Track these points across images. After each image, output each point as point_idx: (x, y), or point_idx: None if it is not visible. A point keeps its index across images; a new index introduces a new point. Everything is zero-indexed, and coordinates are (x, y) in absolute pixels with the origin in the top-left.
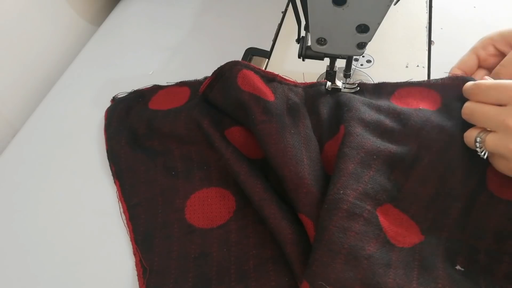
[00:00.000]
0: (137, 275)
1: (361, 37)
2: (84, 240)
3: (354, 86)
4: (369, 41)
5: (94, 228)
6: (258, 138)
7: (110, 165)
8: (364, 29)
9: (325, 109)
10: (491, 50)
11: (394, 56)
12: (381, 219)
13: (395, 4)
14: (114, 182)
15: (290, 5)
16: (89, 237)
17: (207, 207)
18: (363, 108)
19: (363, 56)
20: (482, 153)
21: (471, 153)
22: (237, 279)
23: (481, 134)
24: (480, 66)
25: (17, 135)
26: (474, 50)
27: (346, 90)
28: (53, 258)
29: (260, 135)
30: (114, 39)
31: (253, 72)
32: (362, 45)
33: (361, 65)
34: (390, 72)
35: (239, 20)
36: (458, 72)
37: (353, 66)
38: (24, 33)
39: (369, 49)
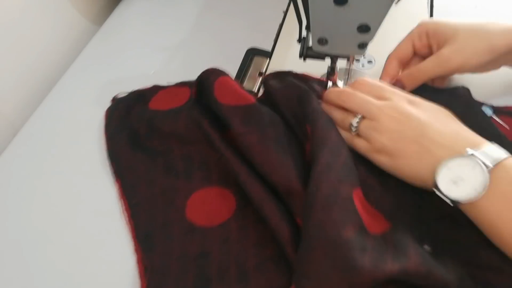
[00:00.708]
0: (139, 274)
1: (362, 37)
2: (84, 240)
3: None
4: (370, 41)
5: (95, 227)
6: (242, 150)
7: (110, 165)
8: (365, 29)
9: (287, 111)
10: (426, 41)
11: None
12: (357, 203)
13: (396, 4)
14: (115, 181)
15: (291, 5)
16: (90, 236)
17: (208, 207)
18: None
19: (364, 57)
20: (354, 132)
21: None
22: (237, 278)
23: (357, 117)
24: (415, 54)
25: (18, 134)
26: (410, 37)
27: None
28: (54, 257)
29: (242, 147)
30: (115, 39)
31: (229, 77)
32: (363, 45)
33: (362, 65)
34: None
35: (240, 20)
36: (394, 61)
37: (353, 67)
38: (26, 32)
39: (370, 49)
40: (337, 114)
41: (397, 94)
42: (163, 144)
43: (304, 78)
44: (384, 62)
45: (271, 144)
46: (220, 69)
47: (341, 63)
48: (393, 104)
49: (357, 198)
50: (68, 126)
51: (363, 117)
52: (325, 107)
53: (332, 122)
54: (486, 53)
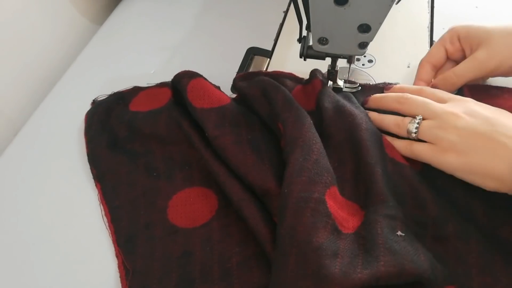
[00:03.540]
0: (120, 277)
1: (363, 37)
2: (79, 241)
3: (356, 86)
4: (371, 41)
5: (93, 228)
6: (219, 152)
7: (91, 169)
8: (366, 28)
9: (260, 109)
10: (458, 45)
11: (396, 56)
12: (330, 203)
13: (396, 4)
14: (95, 185)
15: (292, 4)
16: (86, 237)
17: (190, 207)
18: (287, 97)
19: (364, 56)
20: (414, 136)
21: (368, 127)
22: (220, 277)
23: (417, 119)
24: (448, 58)
25: (19, 134)
26: (442, 42)
27: (347, 89)
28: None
29: (218, 150)
30: (115, 38)
31: (202, 79)
32: (363, 45)
33: (363, 65)
34: (392, 72)
35: (240, 20)
36: (427, 65)
37: (354, 66)
38: (26, 32)
39: (370, 49)
40: (390, 120)
41: (458, 97)
42: (144, 145)
43: (275, 75)
44: (385, 63)
45: (246, 145)
46: (192, 71)
47: (341, 63)
48: (456, 103)
49: (331, 197)
50: (68, 126)
51: (423, 119)
52: (374, 115)
53: (303, 116)
54: None
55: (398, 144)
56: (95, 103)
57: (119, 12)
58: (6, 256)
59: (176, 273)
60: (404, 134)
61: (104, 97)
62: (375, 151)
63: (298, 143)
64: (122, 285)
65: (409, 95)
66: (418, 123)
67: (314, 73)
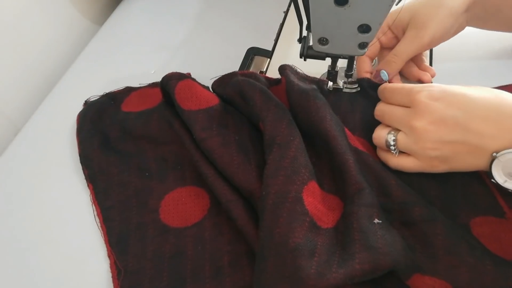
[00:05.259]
0: (112, 277)
1: (363, 37)
2: (76, 240)
3: (355, 86)
4: (371, 41)
5: (90, 228)
6: (206, 155)
7: (83, 169)
8: (366, 29)
9: (244, 111)
10: (390, 34)
11: None
12: (308, 200)
13: (396, 5)
14: (88, 185)
15: (292, 4)
16: (82, 238)
17: (182, 207)
18: (265, 95)
19: None
20: (395, 152)
21: (332, 118)
22: (211, 276)
23: (392, 132)
24: (382, 48)
25: (19, 134)
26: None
27: (347, 90)
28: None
29: (205, 152)
30: (116, 38)
31: (190, 80)
32: (363, 45)
33: None
34: None
35: (241, 20)
36: (365, 59)
37: (354, 66)
38: (27, 32)
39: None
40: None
41: (417, 92)
42: (136, 145)
43: (250, 75)
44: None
45: (233, 146)
46: (180, 72)
47: (341, 63)
48: (419, 109)
49: (309, 192)
50: (68, 126)
51: (397, 130)
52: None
53: (282, 113)
54: (448, 17)
55: (385, 157)
56: (87, 103)
57: (119, 12)
58: (0, 255)
59: (167, 272)
60: (384, 146)
61: (96, 98)
62: (343, 141)
63: (276, 141)
64: (114, 285)
65: (381, 108)
66: (394, 136)
67: (280, 70)
